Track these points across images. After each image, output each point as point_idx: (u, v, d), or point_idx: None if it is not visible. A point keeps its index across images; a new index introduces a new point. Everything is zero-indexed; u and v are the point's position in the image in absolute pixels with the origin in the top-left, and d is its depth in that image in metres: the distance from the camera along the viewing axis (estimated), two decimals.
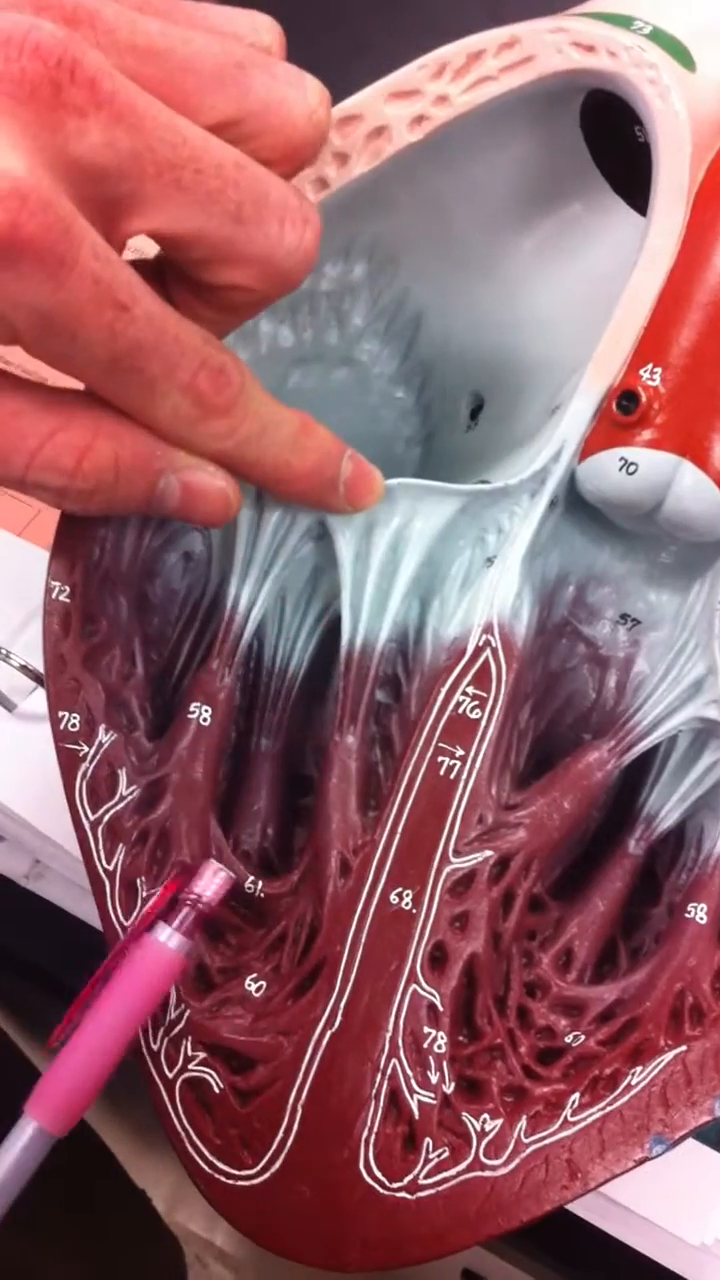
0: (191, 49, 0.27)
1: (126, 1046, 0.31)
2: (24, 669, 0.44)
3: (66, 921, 0.44)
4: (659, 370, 0.31)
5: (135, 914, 0.33)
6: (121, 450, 0.28)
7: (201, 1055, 0.32)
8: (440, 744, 0.33)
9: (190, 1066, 0.32)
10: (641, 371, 0.31)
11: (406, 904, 0.32)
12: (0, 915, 0.45)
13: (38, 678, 0.44)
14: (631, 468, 0.31)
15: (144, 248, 0.28)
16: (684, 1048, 0.32)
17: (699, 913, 0.33)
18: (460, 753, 0.33)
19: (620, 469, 0.31)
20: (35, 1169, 0.30)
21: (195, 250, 0.27)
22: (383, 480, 0.32)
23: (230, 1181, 0.32)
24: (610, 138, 0.34)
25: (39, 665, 0.42)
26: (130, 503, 0.29)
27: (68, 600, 0.33)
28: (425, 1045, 0.32)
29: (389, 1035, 0.32)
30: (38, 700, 0.45)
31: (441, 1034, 0.32)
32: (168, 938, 0.31)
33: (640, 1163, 0.31)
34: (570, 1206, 0.32)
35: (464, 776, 0.33)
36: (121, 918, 0.33)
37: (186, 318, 0.28)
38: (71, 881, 0.44)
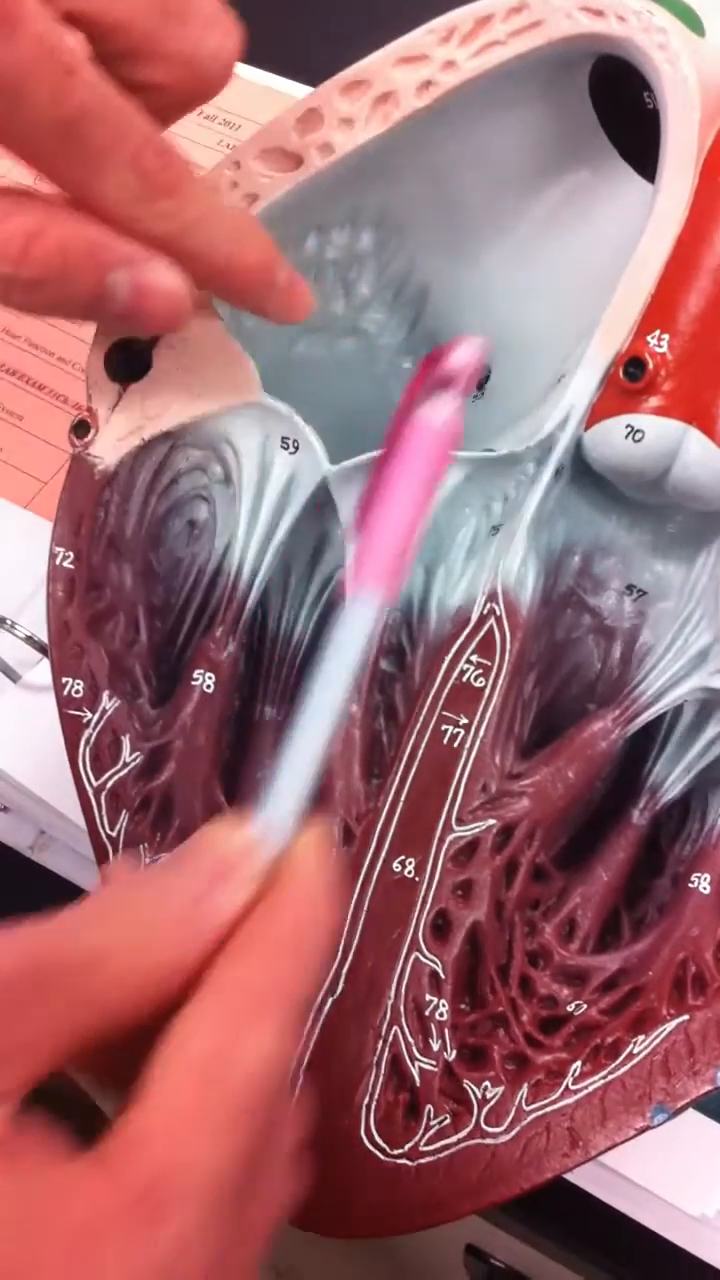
0: None
1: (424, 513, 0.28)
2: (29, 640, 0.44)
3: (71, 893, 0.44)
4: (666, 337, 0.31)
5: None
6: (71, 239, 0.28)
7: None
8: (444, 712, 0.33)
9: None
10: (649, 338, 0.31)
11: (409, 872, 0.32)
12: (5, 887, 0.45)
13: (43, 649, 0.44)
14: (638, 435, 0.31)
15: None
16: (686, 1017, 0.32)
17: (702, 883, 0.33)
18: (464, 721, 0.33)
19: (627, 436, 0.31)
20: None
21: (119, 39, 0.27)
22: (312, 297, 0.32)
23: None
24: (619, 104, 0.34)
25: (44, 637, 0.42)
26: (79, 297, 0.29)
27: (72, 566, 0.33)
28: (427, 1013, 0.32)
29: (391, 1003, 0.32)
30: (43, 671, 0.45)
31: (443, 1002, 0.32)
32: (438, 412, 0.28)
33: (641, 1131, 0.31)
34: (570, 1177, 0.32)
35: (468, 745, 0.33)
36: None
37: None
38: (76, 852, 0.44)
